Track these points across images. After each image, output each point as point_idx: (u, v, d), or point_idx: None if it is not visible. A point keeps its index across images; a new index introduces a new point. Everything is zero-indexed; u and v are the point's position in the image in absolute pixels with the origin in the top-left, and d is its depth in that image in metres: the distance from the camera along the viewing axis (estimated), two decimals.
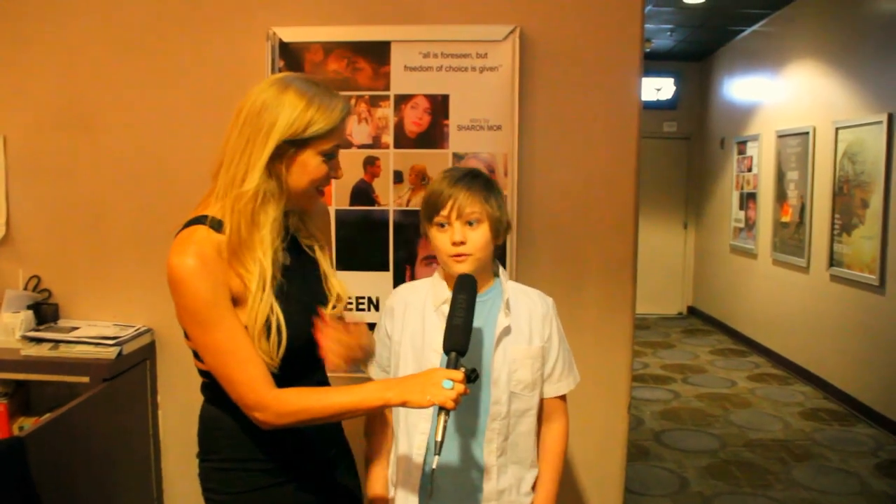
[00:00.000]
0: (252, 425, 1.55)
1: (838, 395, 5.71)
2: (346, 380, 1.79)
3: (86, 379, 2.45)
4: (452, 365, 1.50)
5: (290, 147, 1.51)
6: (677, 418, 5.35)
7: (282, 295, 1.56)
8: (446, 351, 1.53)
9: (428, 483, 1.75)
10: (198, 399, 1.70)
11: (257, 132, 1.49)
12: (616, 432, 2.68)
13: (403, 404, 1.48)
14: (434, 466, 1.48)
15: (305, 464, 1.68)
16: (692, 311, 9.38)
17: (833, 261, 5.80)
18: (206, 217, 1.53)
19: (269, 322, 1.52)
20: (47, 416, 2.29)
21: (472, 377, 1.51)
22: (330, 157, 1.57)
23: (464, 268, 1.73)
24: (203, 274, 1.47)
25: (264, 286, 1.52)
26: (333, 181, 1.86)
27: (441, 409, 1.46)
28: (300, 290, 1.62)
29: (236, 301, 1.52)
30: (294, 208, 1.64)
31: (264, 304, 1.51)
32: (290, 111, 1.49)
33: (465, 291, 1.61)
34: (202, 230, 1.51)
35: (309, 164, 1.55)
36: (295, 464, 1.66)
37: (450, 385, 1.45)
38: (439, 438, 1.45)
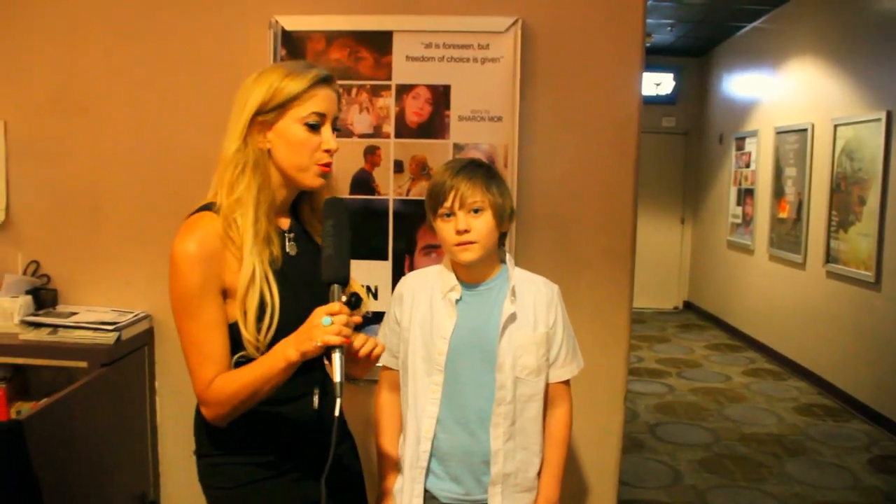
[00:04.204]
0: (234, 422, 1.56)
1: (832, 390, 5.74)
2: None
3: (84, 364, 2.45)
4: (335, 298, 1.44)
5: (266, 116, 1.55)
6: (672, 412, 5.37)
7: (280, 279, 1.57)
8: (326, 284, 1.46)
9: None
10: None
11: (240, 111, 1.56)
12: (612, 424, 2.69)
13: (304, 356, 1.42)
14: (336, 413, 1.38)
15: (301, 454, 1.66)
16: (688, 306, 9.40)
17: (829, 257, 5.82)
18: (213, 204, 1.57)
19: (264, 302, 1.53)
20: (45, 400, 2.30)
21: (353, 302, 1.46)
22: (314, 126, 1.57)
23: (470, 255, 1.76)
24: (199, 262, 1.50)
25: (256, 258, 1.53)
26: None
27: (331, 347, 1.40)
28: (299, 280, 1.62)
29: (228, 293, 1.54)
30: (295, 186, 1.63)
31: (258, 277, 1.53)
32: (264, 84, 1.55)
33: (331, 217, 1.51)
34: (208, 216, 1.55)
35: (288, 132, 1.56)
36: (289, 455, 1.65)
37: (328, 321, 1.39)
38: (337, 379, 1.38)
